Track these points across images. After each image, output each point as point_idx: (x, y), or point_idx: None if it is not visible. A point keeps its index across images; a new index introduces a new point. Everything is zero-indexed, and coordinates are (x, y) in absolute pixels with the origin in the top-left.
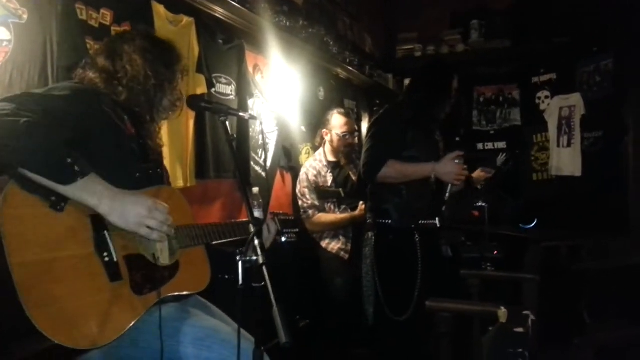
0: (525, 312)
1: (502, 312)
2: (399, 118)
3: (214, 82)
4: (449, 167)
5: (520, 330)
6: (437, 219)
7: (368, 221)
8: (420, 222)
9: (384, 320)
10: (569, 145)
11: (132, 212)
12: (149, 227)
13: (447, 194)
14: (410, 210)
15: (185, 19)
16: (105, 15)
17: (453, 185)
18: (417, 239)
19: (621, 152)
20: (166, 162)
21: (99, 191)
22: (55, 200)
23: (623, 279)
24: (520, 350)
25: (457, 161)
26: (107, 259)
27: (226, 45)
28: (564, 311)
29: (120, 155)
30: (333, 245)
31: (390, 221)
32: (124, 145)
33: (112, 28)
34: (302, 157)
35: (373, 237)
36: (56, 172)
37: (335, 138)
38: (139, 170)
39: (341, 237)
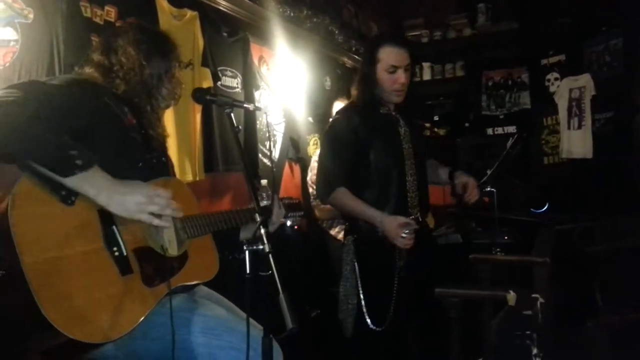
0: (534, 295)
1: (511, 296)
2: (345, 125)
3: (220, 75)
4: (391, 230)
5: (528, 312)
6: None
7: (347, 224)
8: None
9: (365, 330)
10: (579, 127)
11: (132, 200)
12: (151, 213)
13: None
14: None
15: (189, 13)
16: (110, 12)
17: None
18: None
19: (633, 132)
20: (174, 157)
21: (98, 182)
22: (66, 195)
23: (636, 260)
24: (528, 332)
25: (406, 231)
26: (116, 253)
27: (231, 38)
28: (576, 294)
29: (123, 146)
30: (342, 235)
31: (367, 225)
32: (126, 135)
33: (117, 24)
34: (310, 148)
35: (352, 242)
36: (57, 164)
37: None
38: (143, 160)
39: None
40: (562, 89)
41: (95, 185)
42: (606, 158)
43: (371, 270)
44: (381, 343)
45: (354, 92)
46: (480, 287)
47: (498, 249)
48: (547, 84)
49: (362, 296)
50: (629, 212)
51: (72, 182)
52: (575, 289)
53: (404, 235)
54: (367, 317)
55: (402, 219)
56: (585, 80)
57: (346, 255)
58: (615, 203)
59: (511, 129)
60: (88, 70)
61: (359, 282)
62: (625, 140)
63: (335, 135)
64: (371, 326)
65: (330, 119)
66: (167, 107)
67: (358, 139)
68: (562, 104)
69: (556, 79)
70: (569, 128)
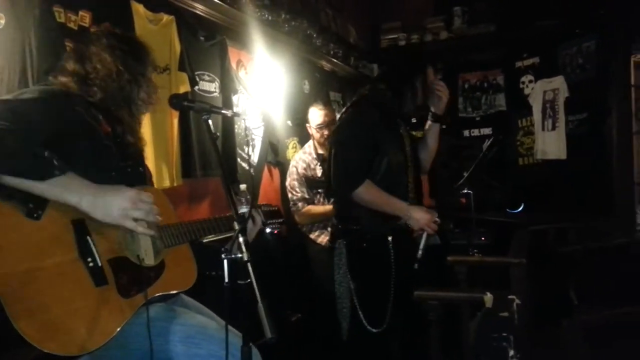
0: (510, 297)
1: (488, 298)
2: (366, 121)
3: (197, 79)
4: (420, 214)
5: (505, 314)
6: None
7: (337, 227)
8: (398, 223)
9: (360, 333)
10: (553, 128)
11: (115, 205)
12: (134, 219)
13: (421, 250)
14: (383, 213)
15: (166, 17)
16: (84, 17)
17: (426, 232)
18: (391, 243)
19: (605, 133)
20: (151, 163)
21: (78, 188)
22: (32, 208)
23: (609, 259)
24: (505, 334)
25: (437, 216)
26: (91, 264)
27: (208, 42)
28: (552, 293)
29: (96, 155)
30: (322, 238)
31: (360, 227)
32: (99, 143)
33: (92, 29)
34: (289, 152)
35: (344, 245)
36: (34, 168)
37: (314, 132)
38: (116, 169)
39: (330, 229)
40: (536, 91)
41: (75, 192)
42: (580, 159)
43: (367, 272)
44: (378, 344)
45: (378, 86)
46: (458, 289)
47: (475, 250)
48: (521, 86)
49: (356, 299)
50: (602, 212)
51: (51, 188)
52: (551, 289)
53: (436, 219)
54: (363, 318)
55: (425, 208)
56: (559, 82)
57: (338, 259)
58: (589, 203)
59: (487, 130)
60: (63, 79)
61: (352, 284)
62: (598, 141)
63: (357, 128)
64: (368, 327)
65: (343, 112)
66: (147, 111)
67: (375, 135)
68: (536, 105)
69: (530, 81)
70: (543, 129)
